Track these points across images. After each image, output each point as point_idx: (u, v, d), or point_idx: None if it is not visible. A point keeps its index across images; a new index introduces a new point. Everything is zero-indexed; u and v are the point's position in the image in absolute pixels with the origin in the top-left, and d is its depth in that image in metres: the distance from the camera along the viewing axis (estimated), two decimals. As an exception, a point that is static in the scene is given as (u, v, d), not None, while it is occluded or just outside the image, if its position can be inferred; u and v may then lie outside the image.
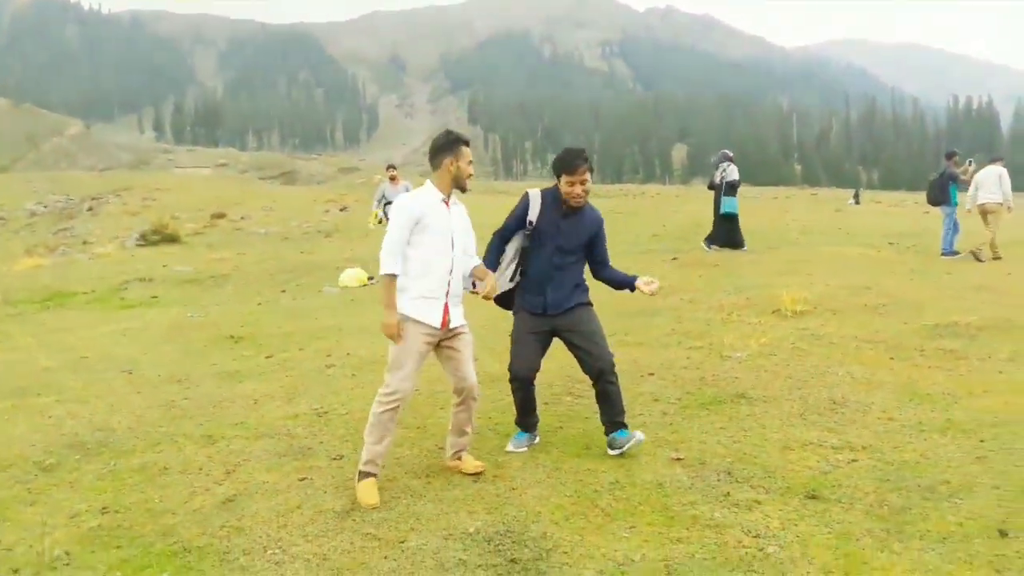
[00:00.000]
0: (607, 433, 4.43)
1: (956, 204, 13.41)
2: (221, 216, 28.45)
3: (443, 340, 4.08)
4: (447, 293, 4.02)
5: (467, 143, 4.13)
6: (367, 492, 3.88)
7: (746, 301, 8.94)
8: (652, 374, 6.18)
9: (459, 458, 4.27)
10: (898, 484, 3.88)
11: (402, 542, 3.42)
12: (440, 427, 5.03)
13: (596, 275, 4.63)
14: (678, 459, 4.36)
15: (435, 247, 3.99)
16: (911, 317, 7.74)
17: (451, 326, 4.04)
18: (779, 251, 14.16)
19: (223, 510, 3.84)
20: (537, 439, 4.69)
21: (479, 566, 3.20)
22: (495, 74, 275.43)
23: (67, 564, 3.34)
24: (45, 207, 36.01)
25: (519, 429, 4.66)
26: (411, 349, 3.94)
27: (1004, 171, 13.02)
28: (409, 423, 5.15)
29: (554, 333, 4.45)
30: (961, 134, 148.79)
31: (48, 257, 21.50)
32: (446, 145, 4.07)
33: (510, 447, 4.56)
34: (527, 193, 4.47)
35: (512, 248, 4.50)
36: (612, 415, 4.40)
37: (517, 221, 4.45)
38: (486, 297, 4.22)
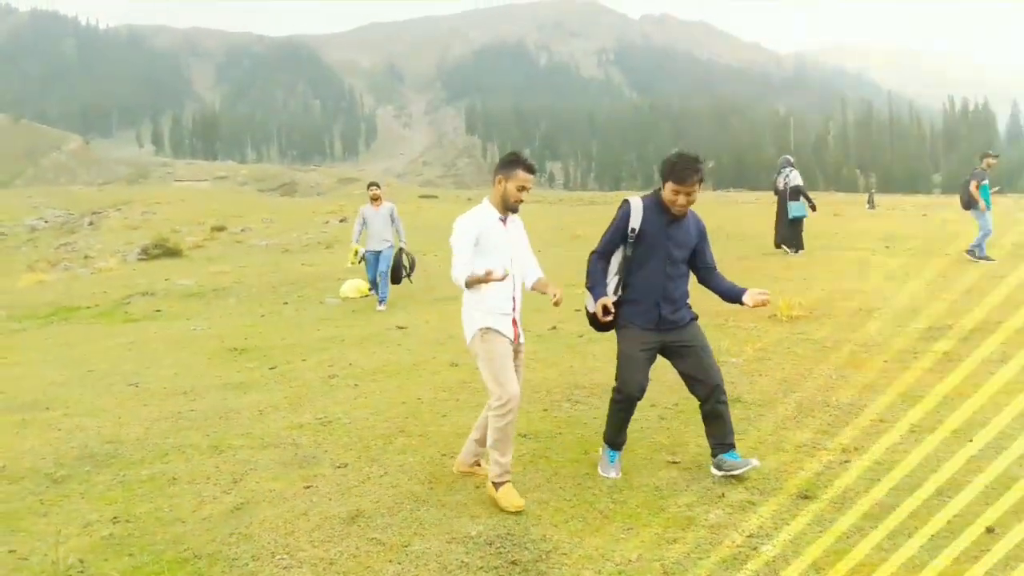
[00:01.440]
0: (715, 455, 4.21)
1: (988, 207, 12.88)
2: (221, 229, 28.61)
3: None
4: (513, 309, 4.08)
5: (528, 168, 4.03)
6: (511, 497, 3.91)
7: (742, 306, 9.04)
8: (650, 380, 6.27)
9: (478, 464, 4.35)
10: (889, 484, 3.99)
11: (406, 546, 3.52)
12: (442, 435, 5.14)
13: (704, 282, 4.36)
14: (675, 462, 4.47)
15: (497, 263, 4.00)
16: (905, 320, 7.85)
17: (519, 341, 4.13)
18: (776, 256, 14.28)
19: (231, 518, 3.94)
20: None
21: (480, 568, 3.30)
22: (492, 83, 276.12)
23: (81, 572, 3.44)
24: (46, 222, 36.18)
25: (609, 448, 4.37)
26: (502, 354, 3.98)
27: None
28: (411, 431, 5.26)
29: (663, 349, 4.24)
30: (958, 136, 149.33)
31: (50, 272, 21.64)
32: (503, 164, 4.06)
33: (611, 473, 4.30)
34: (627, 202, 4.19)
35: (615, 261, 4.27)
36: (722, 437, 4.19)
37: (619, 234, 4.19)
38: (557, 304, 4.11)
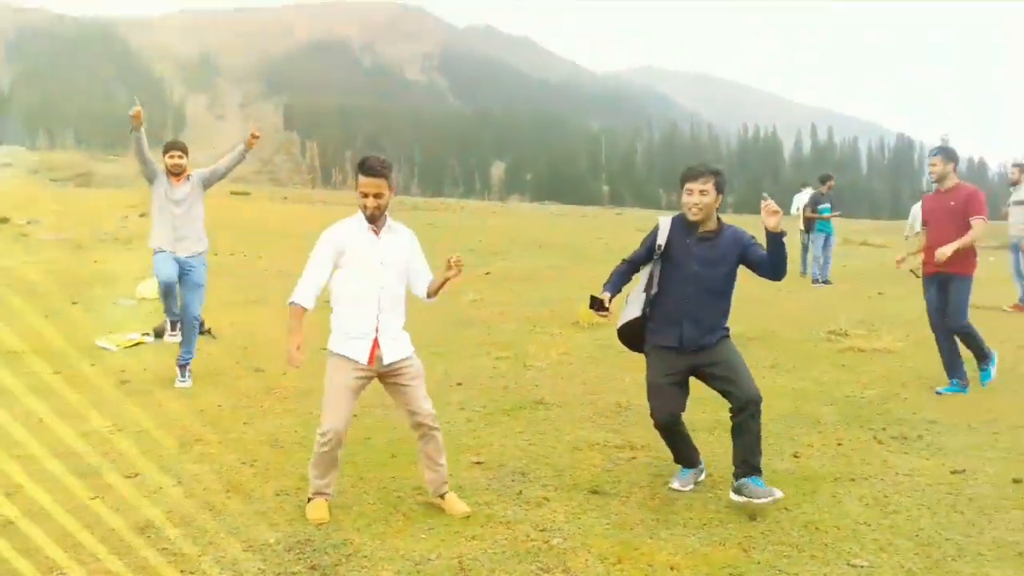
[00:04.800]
0: (737, 476, 3.95)
1: (820, 232, 13.25)
2: (5, 221, 25.98)
3: (385, 376, 3.85)
4: (376, 328, 3.76)
5: (367, 171, 3.69)
6: (314, 509, 3.80)
7: (550, 313, 9.45)
8: (460, 384, 6.44)
9: (442, 497, 3.95)
10: (669, 479, 4.33)
11: (199, 556, 3.41)
12: (243, 442, 5.01)
13: (765, 276, 4.08)
14: (478, 462, 4.63)
15: (359, 280, 3.75)
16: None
17: (385, 362, 3.78)
18: (582, 267, 14.97)
19: (2, 535, 3.64)
20: (703, 473, 4.34)
21: (278, 575, 3.26)
22: (314, 81, 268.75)
23: None
24: None
25: (680, 467, 4.31)
26: (337, 386, 3.76)
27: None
28: (209, 439, 5.08)
29: (692, 371, 4.10)
30: (750, 159, 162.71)
31: None
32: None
33: (675, 484, 4.21)
34: (659, 220, 4.17)
35: (645, 275, 4.20)
36: (748, 455, 3.93)
37: (647, 249, 4.16)
38: (456, 267, 3.92)
